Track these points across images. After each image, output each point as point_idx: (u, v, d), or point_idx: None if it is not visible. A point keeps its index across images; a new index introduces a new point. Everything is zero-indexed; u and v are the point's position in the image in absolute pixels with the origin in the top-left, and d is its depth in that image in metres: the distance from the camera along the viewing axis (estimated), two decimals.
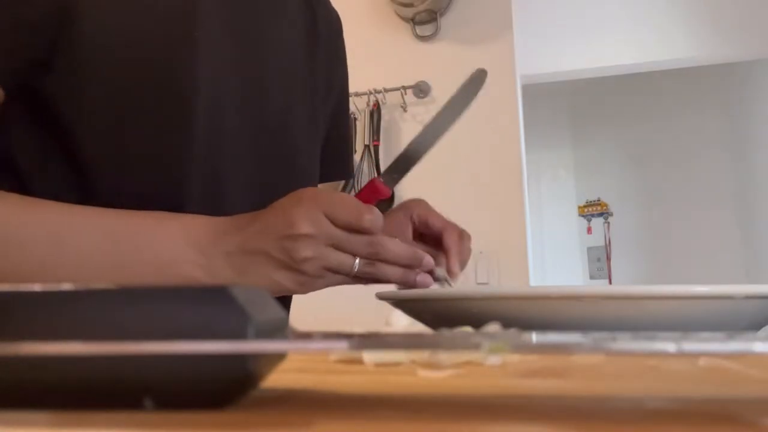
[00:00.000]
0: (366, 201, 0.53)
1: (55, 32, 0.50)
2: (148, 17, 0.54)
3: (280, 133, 0.66)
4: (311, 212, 0.49)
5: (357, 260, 0.52)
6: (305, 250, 0.49)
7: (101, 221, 0.50)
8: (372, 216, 0.50)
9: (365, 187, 0.61)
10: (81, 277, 0.49)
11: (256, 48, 0.64)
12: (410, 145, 0.63)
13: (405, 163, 0.63)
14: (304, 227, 0.49)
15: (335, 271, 0.51)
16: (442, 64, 2.31)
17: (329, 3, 0.81)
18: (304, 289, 0.52)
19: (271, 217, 0.50)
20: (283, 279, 0.50)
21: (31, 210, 0.49)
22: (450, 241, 0.64)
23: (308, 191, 0.51)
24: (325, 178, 0.81)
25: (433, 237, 0.67)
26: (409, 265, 0.54)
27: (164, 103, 0.54)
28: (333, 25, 0.82)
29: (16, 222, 0.48)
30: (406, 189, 2.30)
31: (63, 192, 0.52)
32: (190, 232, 0.51)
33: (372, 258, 0.52)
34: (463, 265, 0.65)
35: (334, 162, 0.83)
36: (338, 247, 0.51)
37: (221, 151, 0.59)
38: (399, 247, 0.53)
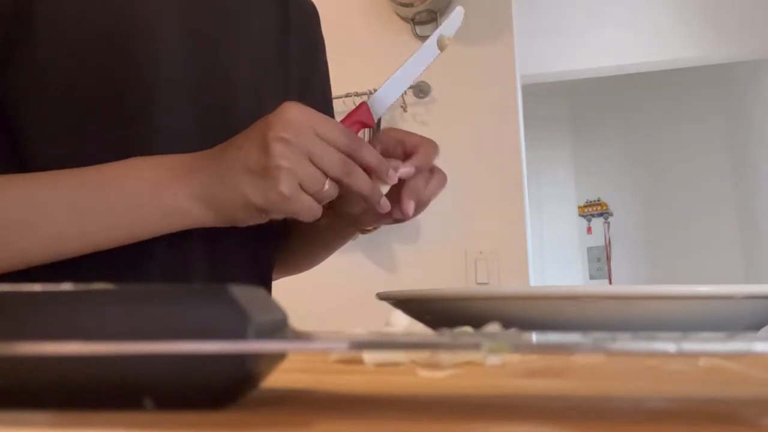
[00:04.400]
0: (350, 126, 0.53)
1: (9, 30, 0.49)
2: (104, 12, 0.53)
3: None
4: (295, 120, 0.48)
5: (327, 182, 0.50)
6: (281, 156, 0.47)
7: (70, 171, 0.49)
8: (357, 144, 0.50)
9: (354, 111, 0.59)
10: (63, 228, 0.48)
11: (220, 43, 0.62)
12: (393, 75, 0.62)
13: (391, 91, 0.62)
14: (279, 130, 0.48)
15: (305, 188, 0.49)
16: (442, 64, 2.30)
17: None
18: (271, 209, 0.50)
19: (255, 125, 0.50)
20: (254, 191, 0.48)
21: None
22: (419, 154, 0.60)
23: (295, 104, 0.50)
24: None
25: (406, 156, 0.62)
26: (378, 175, 0.53)
27: (123, 101, 0.53)
28: (308, 15, 0.79)
29: None
30: None
31: None
32: (164, 167, 0.50)
33: (342, 179, 0.51)
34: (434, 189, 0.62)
35: None
36: (313, 161, 0.49)
37: (184, 150, 0.57)
38: (372, 157, 0.52)
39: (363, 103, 0.59)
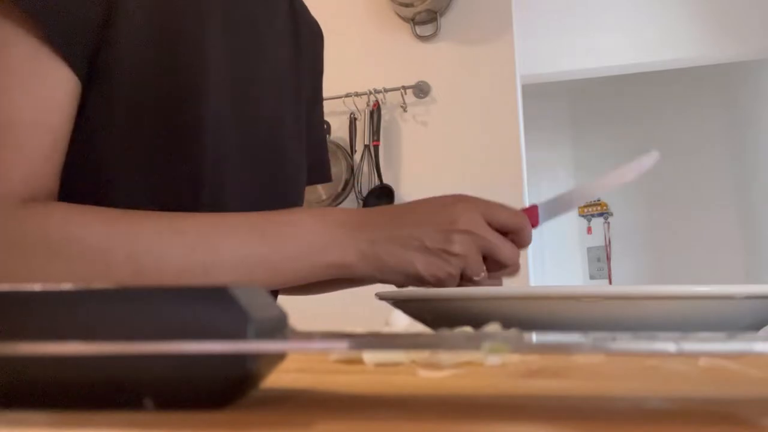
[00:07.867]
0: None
1: (98, 37, 0.51)
2: (165, 32, 0.55)
3: (270, 144, 0.68)
4: (471, 212, 0.54)
5: (484, 272, 0.55)
6: (460, 246, 0.53)
7: (245, 219, 0.52)
8: (526, 222, 0.56)
9: (524, 209, 0.62)
10: (237, 276, 0.50)
11: (252, 63, 0.66)
12: (573, 190, 0.65)
13: (563, 205, 0.64)
14: (464, 224, 0.53)
15: (465, 273, 0.54)
16: (442, 64, 2.30)
17: (308, 11, 0.83)
18: (431, 282, 0.54)
19: (430, 210, 0.55)
20: (425, 266, 0.53)
21: (179, 220, 0.50)
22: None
23: (465, 194, 0.56)
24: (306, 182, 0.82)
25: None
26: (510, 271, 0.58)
27: (180, 115, 0.56)
28: (314, 32, 0.83)
29: (169, 232, 0.49)
30: (406, 188, 2.30)
31: (76, 198, 0.52)
32: (333, 221, 0.53)
33: (498, 269, 0.56)
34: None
35: (317, 166, 0.84)
36: (486, 253, 0.54)
37: (226, 162, 0.60)
38: (515, 255, 0.56)
39: (535, 206, 0.62)
